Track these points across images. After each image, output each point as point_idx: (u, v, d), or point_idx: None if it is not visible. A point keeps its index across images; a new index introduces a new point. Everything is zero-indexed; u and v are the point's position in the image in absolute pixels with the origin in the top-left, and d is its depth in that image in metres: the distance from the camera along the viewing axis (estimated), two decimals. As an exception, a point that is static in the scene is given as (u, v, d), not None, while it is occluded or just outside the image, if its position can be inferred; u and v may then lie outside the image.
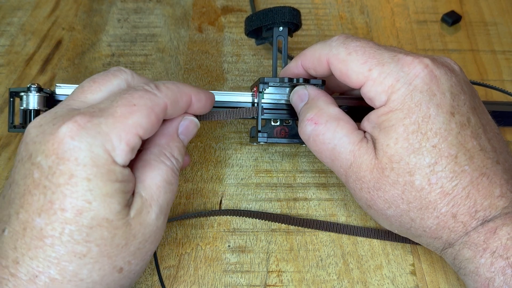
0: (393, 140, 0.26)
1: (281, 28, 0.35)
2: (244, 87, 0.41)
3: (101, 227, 0.23)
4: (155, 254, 0.32)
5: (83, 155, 0.22)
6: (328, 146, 0.28)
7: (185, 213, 0.34)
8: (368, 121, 0.28)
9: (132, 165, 0.25)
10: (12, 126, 0.31)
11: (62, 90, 0.32)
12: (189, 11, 0.47)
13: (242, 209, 0.35)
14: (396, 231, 0.29)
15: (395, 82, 0.26)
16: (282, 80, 0.31)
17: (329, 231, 0.33)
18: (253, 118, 0.33)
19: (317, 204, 0.35)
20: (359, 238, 0.33)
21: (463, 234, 0.25)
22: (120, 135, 0.23)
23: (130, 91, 0.25)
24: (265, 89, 0.32)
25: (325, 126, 0.28)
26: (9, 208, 0.23)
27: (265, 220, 0.34)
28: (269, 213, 0.34)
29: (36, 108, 0.30)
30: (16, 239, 0.23)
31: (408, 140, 0.25)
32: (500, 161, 0.26)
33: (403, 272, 0.32)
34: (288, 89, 0.32)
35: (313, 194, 0.35)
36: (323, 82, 0.31)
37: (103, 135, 0.23)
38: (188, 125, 0.29)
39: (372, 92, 0.27)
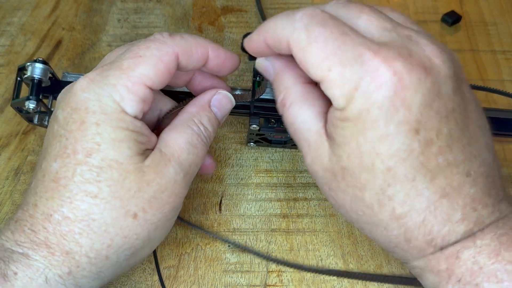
0: (346, 155, 0.23)
1: None
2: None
3: (111, 168, 0.24)
4: (155, 254, 0.32)
5: (92, 104, 0.24)
6: (290, 129, 0.26)
7: (187, 210, 0.34)
8: (329, 115, 0.24)
9: (160, 130, 0.27)
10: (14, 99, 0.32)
11: (68, 77, 0.34)
12: (189, 11, 0.47)
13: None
14: None
15: (354, 90, 0.22)
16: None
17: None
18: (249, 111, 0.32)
19: (317, 204, 0.35)
20: (359, 238, 0.33)
21: (421, 257, 0.23)
22: (127, 86, 0.24)
23: (139, 43, 0.26)
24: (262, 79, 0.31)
25: (288, 109, 0.26)
26: (37, 165, 0.26)
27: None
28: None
29: (39, 77, 0.31)
30: (37, 186, 0.25)
31: (361, 159, 0.22)
32: (472, 170, 0.23)
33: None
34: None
35: (313, 194, 0.35)
36: None
37: (110, 87, 0.24)
38: (220, 99, 0.29)
39: (329, 94, 0.23)
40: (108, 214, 0.24)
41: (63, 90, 0.27)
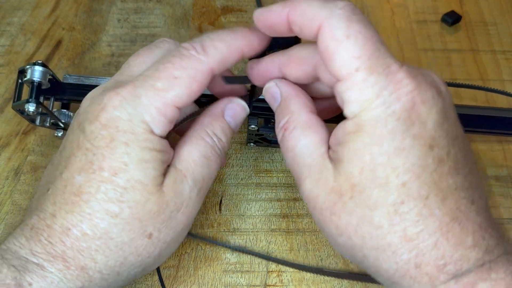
0: (358, 169, 0.22)
1: (281, 48, 0.36)
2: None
3: (135, 189, 0.24)
4: None
5: (123, 124, 0.24)
6: (289, 154, 0.26)
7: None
8: (334, 137, 0.24)
9: (174, 142, 0.27)
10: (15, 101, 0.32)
11: (69, 79, 0.34)
12: (189, 11, 0.47)
13: (244, 211, 0.34)
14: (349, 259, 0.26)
15: (375, 97, 0.21)
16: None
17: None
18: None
19: (317, 204, 0.35)
20: (359, 238, 0.33)
21: (430, 287, 0.22)
22: (159, 107, 0.24)
23: (174, 58, 0.25)
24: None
25: (290, 133, 0.25)
26: (55, 170, 0.25)
27: (265, 221, 0.34)
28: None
29: (39, 80, 0.31)
30: (56, 195, 0.24)
31: (375, 173, 0.22)
32: (475, 199, 0.23)
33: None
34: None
35: (313, 194, 0.35)
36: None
37: (142, 107, 0.24)
38: (234, 107, 0.29)
39: (347, 95, 0.22)
40: (126, 234, 0.24)
41: (90, 96, 0.26)
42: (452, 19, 0.45)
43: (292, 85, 0.27)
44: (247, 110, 0.29)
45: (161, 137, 0.25)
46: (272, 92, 0.27)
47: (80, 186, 0.24)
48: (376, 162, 0.22)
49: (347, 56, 0.22)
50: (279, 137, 0.26)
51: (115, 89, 0.24)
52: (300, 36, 0.25)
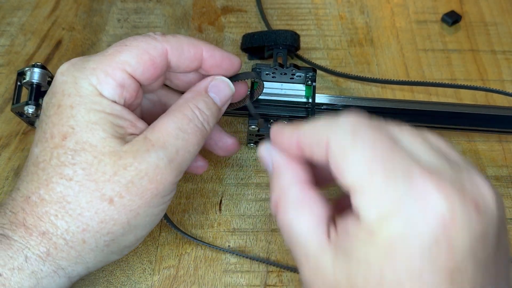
0: (362, 278, 0.19)
1: (281, 48, 0.37)
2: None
3: (85, 151, 0.24)
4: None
5: (68, 87, 0.25)
6: (284, 234, 0.23)
7: (186, 213, 0.34)
8: (344, 222, 0.21)
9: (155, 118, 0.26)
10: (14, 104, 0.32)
11: None
12: (189, 11, 0.47)
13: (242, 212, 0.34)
14: None
15: (395, 209, 0.19)
16: (274, 66, 0.32)
17: None
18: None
19: (317, 204, 0.35)
20: (359, 238, 0.33)
21: None
22: (106, 70, 0.25)
23: (132, 37, 0.26)
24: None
25: (284, 214, 0.23)
26: None
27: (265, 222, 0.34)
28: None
29: (38, 82, 0.32)
30: (22, 172, 0.26)
31: (381, 285, 0.19)
32: None
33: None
34: (284, 79, 0.33)
35: (313, 194, 0.35)
36: (314, 70, 0.31)
37: (89, 70, 0.25)
38: (218, 84, 0.28)
39: (361, 204, 0.19)
40: (82, 197, 0.24)
41: None
42: (452, 19, 0.45)
43: (283, 155, 0.24)
44: (232, 88, 0.29)
45: (113, 101, 0.25)
46: (264, 160, 0.25)
47: (37, 156, 0.25)
48: (385, 280, 0.19)
49: (357, 163, 0.20)
50: (273, 213, 0.24)
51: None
52: (314, 161, 0.23)
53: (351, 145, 0.20)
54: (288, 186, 0.23)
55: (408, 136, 0.21)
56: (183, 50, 0.27)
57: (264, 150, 0.25)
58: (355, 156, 0.20)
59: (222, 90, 0.29)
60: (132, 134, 0.25)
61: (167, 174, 0.25)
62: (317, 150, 0.22)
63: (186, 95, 0.28)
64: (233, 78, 0.29)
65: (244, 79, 0.30)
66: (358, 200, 0.20)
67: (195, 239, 0.33)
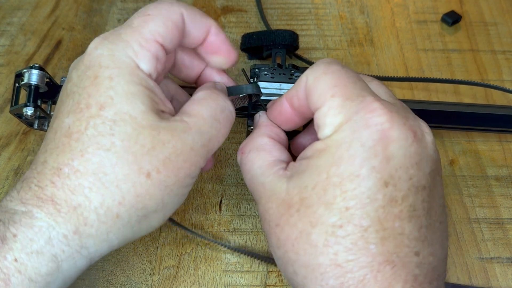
0: (312, 184, 0.23)
1: (279, 47, 0.38)
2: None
3: (125, 122, 0.23)
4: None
5: (105, 59, 0.24)
6: (246, 176, 0.27)
7: (185, 212, 0.34)
8: (303, 153, 0.25)
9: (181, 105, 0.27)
10: (13, 106, 0.32)
11: None
12: (189, 11, 0.47)
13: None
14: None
15: (345, 122, 0.23)
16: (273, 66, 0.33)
17: None
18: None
19: (317, 204, 0.35)
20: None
21: None
22: (139, 42, 0.24)
23: (148, 5, 0.26)
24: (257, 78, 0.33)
25: (246, 156, 0.27)
26: (49, 126, 0.25)
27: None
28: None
29: (36, 83, 0.31)
30: (47, 144, 0.24)
31: (326, 191, 0.22)
32: (422, 253, 0.22)
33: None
34: (284, 79, 0.33)
35: (313, 194, 0.35)
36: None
37: (124, 42, 0.24)
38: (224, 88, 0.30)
39: (321, 122, 0.24)
40: (120, 169, 0.22)
41: (76, 59, 0.27)
42: (452, 19, 0.45)
43: (267, 119, 0.29)
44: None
45: (149, 76, 0.25)
46: (255, 121, 0.30)
47: (69, 127, 0.23)
48: (330, 181, 0.22)
49: (324, 87, 0.24)
50: (238, 159, 0.28)
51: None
52: (301, 113, 0.27)
53: (322, 75, 0.24)
54: (257, 136, 0.28)
55: (375, 83, 0.26)
56: (196, 19, 0.27)
57: (256, 116, 0.30)
58: (323, 82, 0.24)
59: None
60: (163, 111, 0.25)
61: (200, 157, 0.25)
62: (301, 95, 0.26)
63: (208, 85, 0.28)
64: (233, 91, 0.30)
65: (243, 94, 0.30)
66: (319, 116, 0.24)
67: (196, 233, 0.33)
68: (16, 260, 0.21)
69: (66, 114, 0.24)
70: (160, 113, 0.24)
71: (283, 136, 0.28)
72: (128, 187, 0.23)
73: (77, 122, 0.23)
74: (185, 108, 0.26)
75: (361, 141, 0.22)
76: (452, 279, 0.32)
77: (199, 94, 0.27)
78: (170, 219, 0.33)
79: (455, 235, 0.33)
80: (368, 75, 0.31)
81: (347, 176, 0.22)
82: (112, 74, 0.23)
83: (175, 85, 0.30)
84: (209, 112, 0.26)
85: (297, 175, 0.24)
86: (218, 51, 0.29)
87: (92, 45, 0.25)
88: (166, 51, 0.26)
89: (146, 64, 0.24)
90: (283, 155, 0.27)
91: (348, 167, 0.22)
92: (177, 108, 0.27)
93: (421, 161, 0.22)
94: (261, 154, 0.26)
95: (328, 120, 0.23)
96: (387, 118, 0.22)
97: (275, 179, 0.25)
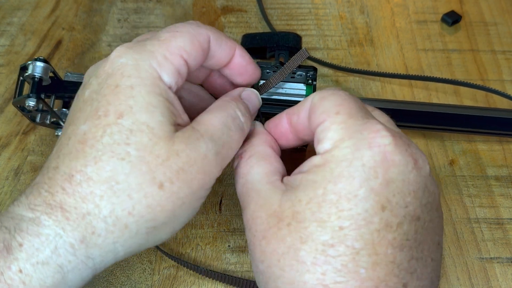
0: (307, 199, 0.22)
1: (283, 49, 0.38)
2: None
3: (142, 132, 0.23)
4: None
5: (128, 69, 0.24)
6: (240, 180, 0.26)
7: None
8: (300, 168, 0.24)
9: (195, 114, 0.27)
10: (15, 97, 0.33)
11: (71, 77, 0.35)
12: (189, 11, 0.47)
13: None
14: None
15: (347, 138, 0.22)
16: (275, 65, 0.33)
17: None
18: None
19: (317, 204, 0.35)
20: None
21: None
22: (164, 54, 0.24)
23: (177, 23, 0.27)
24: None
25: (245, 160, 0.26)
26: (62, 131, 0.25)
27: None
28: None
29: (39, 75, 0.31)
30: (60, 149, 0.23)
31: (320, 207, 0.21)
32: (409, 286, 0.21)
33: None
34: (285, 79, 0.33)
35: (313, 194, 0.35)
36: (315, 69, 0.32)
37: (149, 52, 0.24)
38: (250, 94, 0.29)
39: (322, 136, 0.23)
40: (133, 178, 0.22)
41: (92, 66, 0.27)
42: (452, 19, 0.45)
43: (263, 128, 0.29)
44: (260, 100, 0.30)
45: (170, 88, 0.24)
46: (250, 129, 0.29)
47: (84, 133, 0.23)
48: (326, 198, 0.21)
49: (330, 104, 0.24)
50: (234, 164, 0.27)
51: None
52: (300, 132, 0.27)
53: (329, 95, 0.24)
54: (258, 143, 0.27)
55: (378, 112, 0.26)
56: (222, 42, 0.27)
57: (252, 124, 0.29)
58: (328, 101, 0.24)
59: (253, 100, 0.29)
60: (179, 124, 0.25)
61: (213, 166, 0.25)
62: (302, 114, 0.26)
63: (223, 98, 0.28)
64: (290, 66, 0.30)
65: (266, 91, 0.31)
66: (320, 130, 0.24)
67: (174, 257, 0.32)
68: (20, 271, 0.21)
69: (83, 121, 0.23)
70: (176, 126, 0.24)
71: (279, 149, 0.28)
72: (140, 197, 0.22)
73: (94, 128, 0.23)
74: (197, 118, 0.26)
75: (362, 161, 0.21)
76: (452, 279, 0.32)
77: (212, 105, 0.27)
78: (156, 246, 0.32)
79: (455, 235, 0.33)
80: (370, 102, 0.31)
81: (345, 195, 0.21)
82: (133, 83, 0.23)
83: (201, 91, 0.31)
84: (219, 120, 0.26)
85: (292, 189, 0.23)
86: (245, 72, 0.29)
87: (115, 53, 0.24)
88: (189, 69, 0.26)
89: (169, 76, 0.24)
90: (281, 167, 0.26)
91: (346, 186, 0.21)
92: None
93: (418, 190, 0.22)
94: (261, 162, 0.26)
95: (330, 134, 0.23)
96: (390, 140, 0.22)
97: (271, 188, 0.24)
